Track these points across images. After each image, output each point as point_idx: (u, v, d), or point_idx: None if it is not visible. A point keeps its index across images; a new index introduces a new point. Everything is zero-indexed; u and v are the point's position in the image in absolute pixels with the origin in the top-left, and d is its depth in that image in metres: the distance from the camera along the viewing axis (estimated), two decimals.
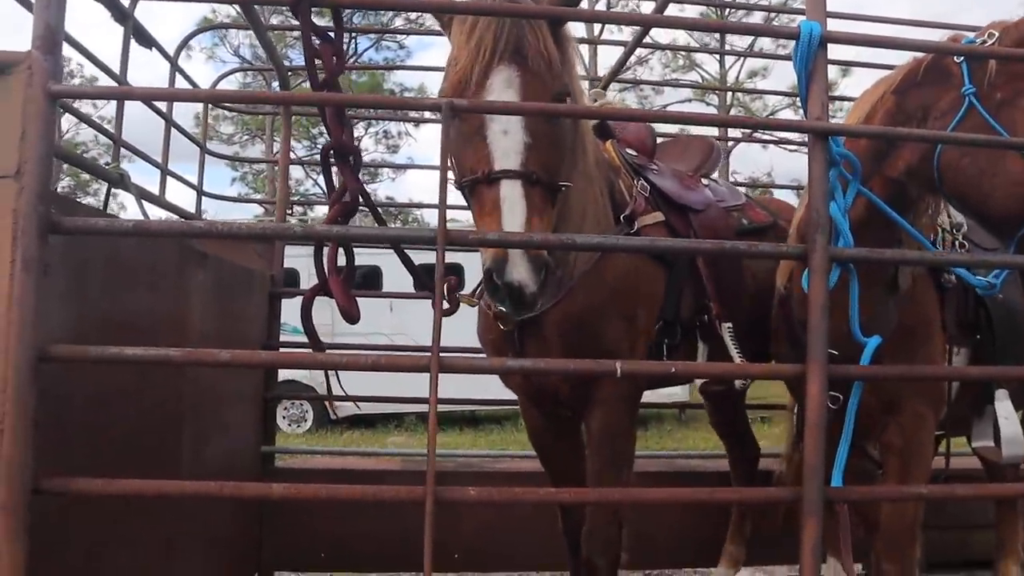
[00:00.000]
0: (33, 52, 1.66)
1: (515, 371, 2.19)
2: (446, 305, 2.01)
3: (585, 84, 4.07)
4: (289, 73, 4.40)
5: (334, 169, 2.14)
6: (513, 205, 1.90)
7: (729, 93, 27.32)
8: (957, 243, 2.91)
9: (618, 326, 2.75)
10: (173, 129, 3.57)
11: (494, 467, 4.54)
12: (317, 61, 1.97)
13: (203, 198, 4.09)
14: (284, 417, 12.26)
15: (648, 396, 3.07)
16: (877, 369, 2.02)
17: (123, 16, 3.09)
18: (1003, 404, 2.85)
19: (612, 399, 2.72)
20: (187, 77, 3.83)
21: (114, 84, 3.04)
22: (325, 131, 2.06)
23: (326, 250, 1.98)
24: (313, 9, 1.85)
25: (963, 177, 2.23)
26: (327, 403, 11.84)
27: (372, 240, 1.94)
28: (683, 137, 4.09)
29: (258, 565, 3.94)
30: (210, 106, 4.87)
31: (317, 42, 1.82)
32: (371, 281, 10.76)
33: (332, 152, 1.99)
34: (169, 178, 3.57)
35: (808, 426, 1.77)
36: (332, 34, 1.90)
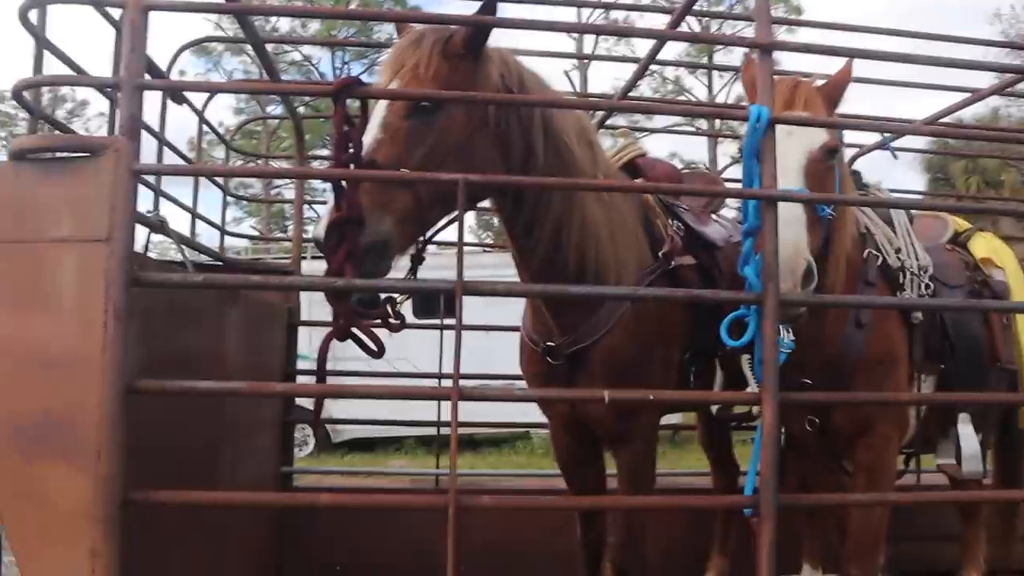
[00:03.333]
0: (119, 137, 2.02)
1: (523, 400, 2.47)
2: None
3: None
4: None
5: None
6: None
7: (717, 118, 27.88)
8: (923, 284, 3.18)
9: (658, 359, 3.01)
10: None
11: (498, 484, 4.86)
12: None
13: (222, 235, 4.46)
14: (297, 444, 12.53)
15: None
16: (821, 395, 2.36)
17: (161, 78, 3.44)
18: (965, 427, 3.22)
19: (643, 431, 3.03)
20: (213, 128, 4.19)
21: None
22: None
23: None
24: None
25: None
26: (326, 426, 12.21)
27: (397, 291, 2.25)
28: (690, 173, 4.43)
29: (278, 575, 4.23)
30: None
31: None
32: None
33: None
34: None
35: (764, 443, 2.11)
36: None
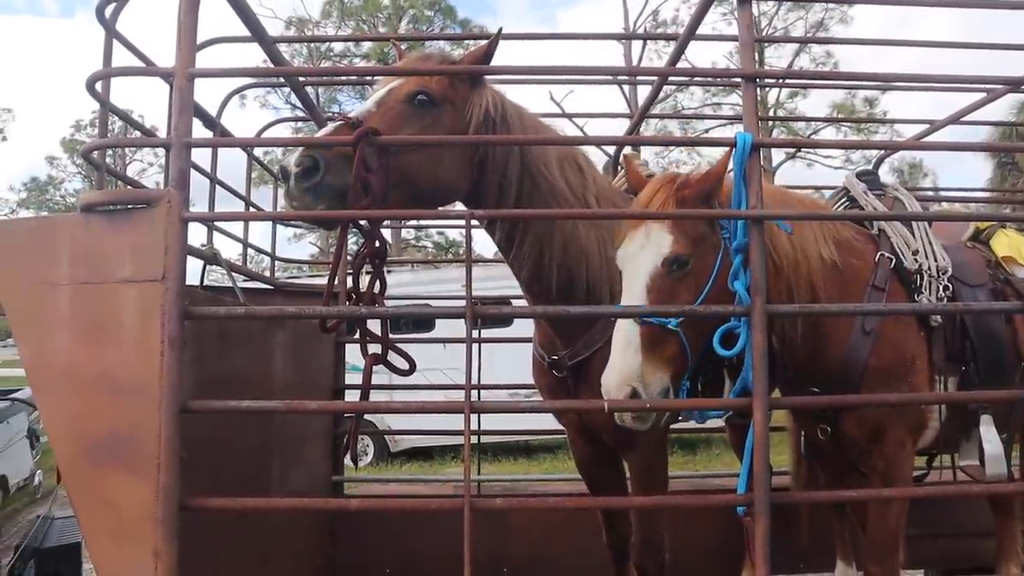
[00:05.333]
0: (171, 189, 2.32)
1: (530, 411, 2.68)
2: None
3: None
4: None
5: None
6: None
7: (770, 111, 27.78)
8: (942, 286, 3.16)
9: None
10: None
11: (536, 489, 5.08)
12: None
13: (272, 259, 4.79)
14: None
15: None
16: (808, 400, 2.52)
17: (211, 124, 3.78)
18: (988, 428, 3.17)
19: (649, 437, 3.14)
20: (261, 164, 4.55)
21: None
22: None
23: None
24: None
25: None
26: (384, 437, 12.57)
27: (416, 318, 2.52)
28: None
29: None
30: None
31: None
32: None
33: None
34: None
35: (756, 444, 2.30)
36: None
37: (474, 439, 5.33)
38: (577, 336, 3.05)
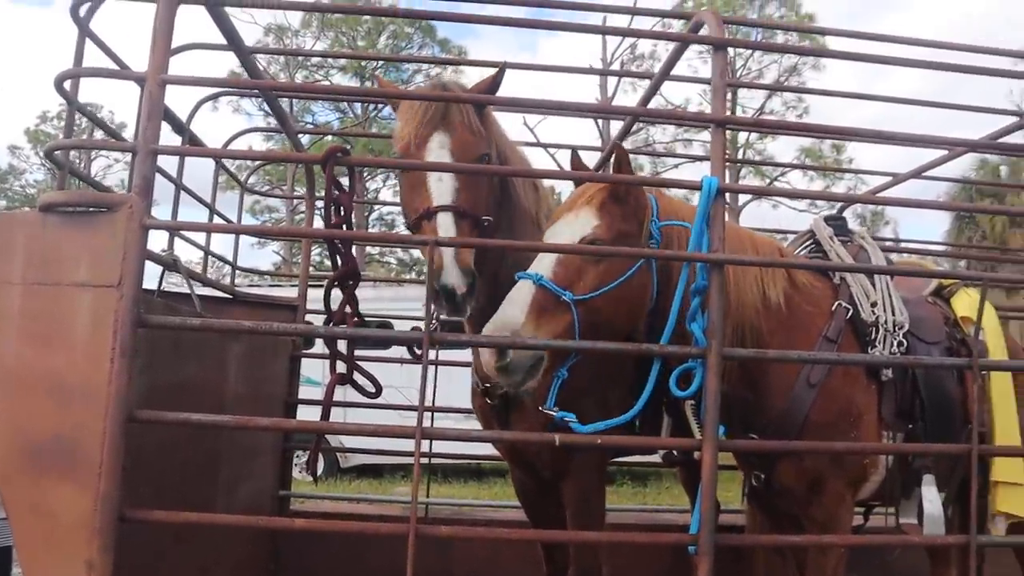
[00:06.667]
0: (134, 195, 2.30)
1: (479, 440, 2.67)
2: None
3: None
4: (299, 135, 5.00)
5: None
6: (448, 231, 2.53)
7: (739, 152, 28.38)
8: (896, 341, 3.13)
9: (593, 401, 3.14)
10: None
11: (484, 515, 5.06)
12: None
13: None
14: (296, 465, 12.78)
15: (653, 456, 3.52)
16: (756, 444, 2.56)
17: (180, 129, 3.76)
18: (929, 488, 3.15)
19: (584, 467, 3.18)
20: (228, 172, 4.52)
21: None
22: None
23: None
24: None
25: None
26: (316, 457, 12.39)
27: (375, 339, 2.51)
28: None
29: None
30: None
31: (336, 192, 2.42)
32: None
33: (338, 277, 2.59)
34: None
35: (704, 485, 2.32)
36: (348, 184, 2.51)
37: (425, 461, 5.40)
38: None
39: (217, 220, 4.22)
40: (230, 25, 3.00)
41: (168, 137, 3.82)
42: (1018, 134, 4.50)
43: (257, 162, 6.61)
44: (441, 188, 2.61)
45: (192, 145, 3.89)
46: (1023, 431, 3.48)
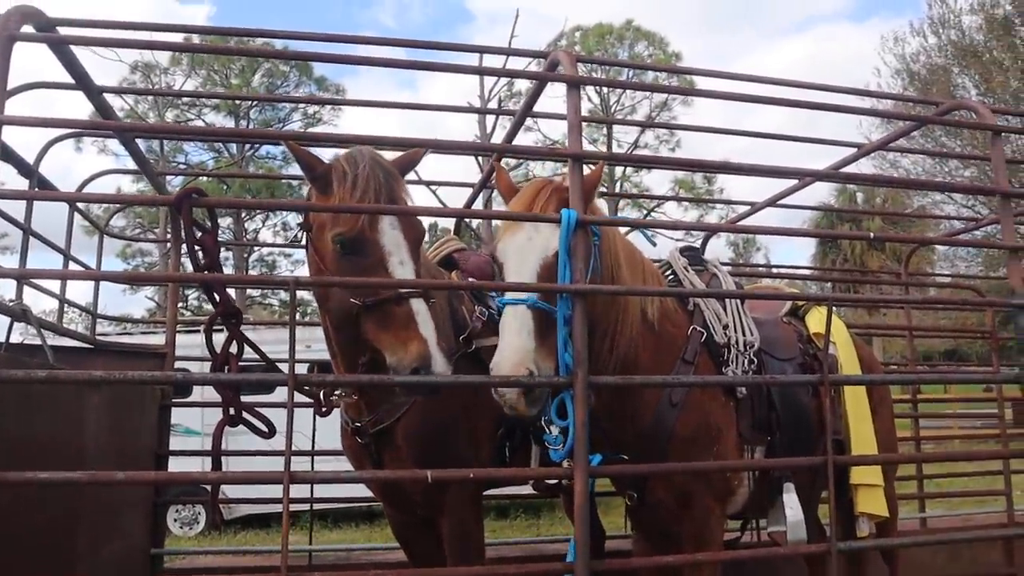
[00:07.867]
0: None
1: (350, 481, 2.63)
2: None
3: None
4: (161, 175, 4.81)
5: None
6: (425, 317, 2.50)
7: (617, 185, 29.54)
8: (748, 359, 3.32)
9: (462, 435, 3.19)
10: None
11: (373, 559, 4.95)
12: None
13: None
14: (176, 520, 12.16)
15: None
16: (626, 468, 2.63)
17: (28, 172, 3.57)
18: (789, 495, 3.33)
19: (459, 502, 3.18)
20: (84, 215, 4.31)
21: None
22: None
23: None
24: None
25: None
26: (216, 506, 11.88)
27: (236, 383, 2.45)
28: None
29: None
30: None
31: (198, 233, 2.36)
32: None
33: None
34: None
35: (576, 512, 2.37)
36: (210, 225, 2.45)
37: (309, 506, 5.25)
38: (380, 402, 3.05)
39: (73, 266, 4.02)
40: (77, 63, 2.89)
41: (16, 181, 3.64)
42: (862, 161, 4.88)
43: (117, 205, 6.32)
44: (407, 273, 2.61)
45: (42, 188, 3.71)
46: (878, 433, 3.76)
